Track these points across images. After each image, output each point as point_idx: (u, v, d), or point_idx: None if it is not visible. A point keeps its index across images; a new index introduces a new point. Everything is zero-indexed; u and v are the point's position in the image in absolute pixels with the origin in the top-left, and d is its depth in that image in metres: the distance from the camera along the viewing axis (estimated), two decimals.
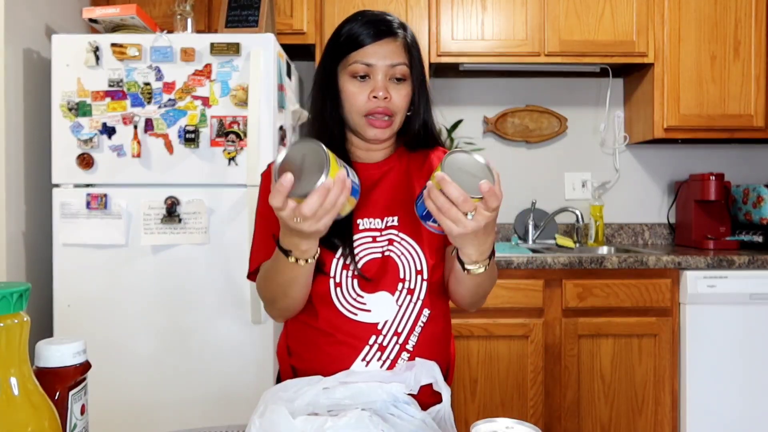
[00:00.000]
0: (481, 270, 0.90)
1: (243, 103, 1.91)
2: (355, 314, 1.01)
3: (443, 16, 2.52)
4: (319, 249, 0.91)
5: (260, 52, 1.90)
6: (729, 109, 2.52)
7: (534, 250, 2.53)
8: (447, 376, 1.08)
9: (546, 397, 2.23)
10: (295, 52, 2.57)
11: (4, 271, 1.91)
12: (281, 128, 2.07)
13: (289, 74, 2.23)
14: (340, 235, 0.99)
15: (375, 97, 1.00)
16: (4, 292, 0.53)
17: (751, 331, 2.23)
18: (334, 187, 0.79)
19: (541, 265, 2.20)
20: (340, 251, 1.01)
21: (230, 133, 1.93)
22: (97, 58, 1.93)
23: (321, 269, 1.01)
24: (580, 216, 2.74)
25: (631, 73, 2.78)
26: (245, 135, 1.91)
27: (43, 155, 2.07)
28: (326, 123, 1.05)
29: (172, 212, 1.92)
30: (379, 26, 1.01)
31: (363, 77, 1.01)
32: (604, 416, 2.25)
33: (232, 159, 1.93)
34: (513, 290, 2.21)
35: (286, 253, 0.89)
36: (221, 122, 1.93)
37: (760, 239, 2.54)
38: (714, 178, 2.55)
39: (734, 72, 2.52)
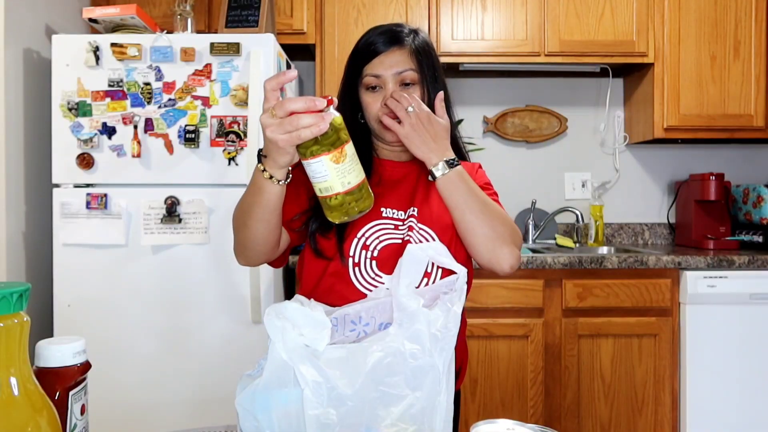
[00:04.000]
0: (446, 172, 1.02)
1: (243, 103, 1.92)
2: (371, 291, 1.04)
3: (443, 16, 2.51)
4: (291, 176, 0.91)
5: (260, 52, 1.90)
6: (729, 109, 2.52)
7: (534, 250, 2.53)
8: (459, 373, 1.11)
9: (546, 397, 2.23)
10: (295, 52, 2.57)
11: (4, 271, 1.91)
12: None
13: None
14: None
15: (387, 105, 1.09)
16: (4, 292, 0.53)
17: (751, 331, 2.23)
18: (319, 109, 0.79)
19: (541, 265, 2.20)
20: (361, 231, 1.06)
21: (230, 133, 1.93)
22: (97, 58, 1.93)
23: (341, 252, 1.05)
24: (580, 216, 2.74)
25: (631, 73, 2.78)
26: (245, 135, 1.91)
27: (43, 155, 2.07)
28: (350, 130, 1.12)
29: (172, 212, 1.92)
30: (386, 36, 1.10)
31: (374, 88, 1.10)
32: (604, 416, 2.24)
33: (232, 159, 1.93)
34: (513, 290, 2.21)
35: (260, 158, 0.90)
36: (221, 122, 1.93)
37: (760, 239, 2.54)
38: (714, 178, 2.55)
39: (734, 72, 2.52)
